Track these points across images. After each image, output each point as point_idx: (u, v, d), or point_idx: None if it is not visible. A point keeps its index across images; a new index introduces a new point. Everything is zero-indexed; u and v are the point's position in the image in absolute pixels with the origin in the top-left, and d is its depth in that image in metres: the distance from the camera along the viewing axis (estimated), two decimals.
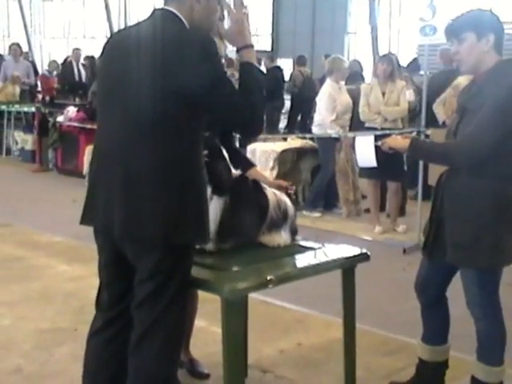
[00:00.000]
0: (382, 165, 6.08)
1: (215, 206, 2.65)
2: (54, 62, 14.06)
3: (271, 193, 2.87)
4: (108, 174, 2.35)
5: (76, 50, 13.52)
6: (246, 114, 2.28)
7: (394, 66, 6.68)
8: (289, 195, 3.03)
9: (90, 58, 13.48)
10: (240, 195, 2.74)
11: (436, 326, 3.15)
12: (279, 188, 3.10)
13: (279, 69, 12.35)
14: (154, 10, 2.42)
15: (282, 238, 2.87)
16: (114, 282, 2.53)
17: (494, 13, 2.94)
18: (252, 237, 2.82)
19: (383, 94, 6.58)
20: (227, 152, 2.85)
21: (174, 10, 2.35)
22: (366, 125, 6.67)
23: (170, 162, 2.28)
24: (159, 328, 2.37)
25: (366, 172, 6.56)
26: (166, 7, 2.38)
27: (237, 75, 2.46)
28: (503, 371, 2.97)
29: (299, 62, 12.76)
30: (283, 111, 12.93)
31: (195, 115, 2.30)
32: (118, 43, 2.43)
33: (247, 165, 3.15)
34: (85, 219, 2.47)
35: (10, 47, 12.63)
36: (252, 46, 2.41)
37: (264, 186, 2.88)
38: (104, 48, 2.49)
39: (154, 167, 2.27)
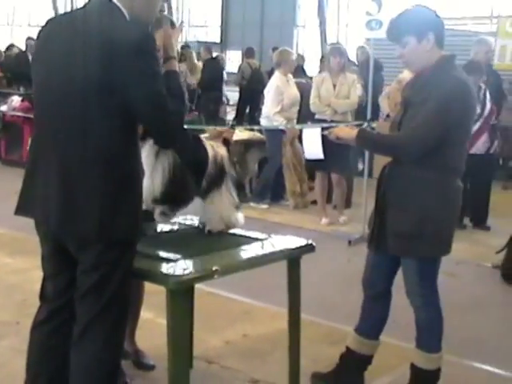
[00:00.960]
0: (328, 157, 6.15)
1: (163, 163, 2.63)
2: None
3: (209, 147, 2.85)
4: (45, 167, 2.33)
5: (29, 40, 13.06)
6: (168, 115, 2.29)
7: (346, 58, 6.77)
8: (227, 143, 3.00)
9: None
10: (184, 150, 2.70)
11: (373, 321, 3.20)
12: (219, 135, 3.07)
13: (216, 60, 12.32)
14: None
15: (223, 197, 2.85)
16: (57, 274, 2.50)
17: (431, 9, 3.00)
18: (193, 195, 2.79)
19: (334, 86, 6.66)
20: None
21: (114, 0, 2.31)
22: (316, 116, 6.73)
23: (107, 159, 2.26)
24: (102, 320, 2.36)
25: (312, 164, 6.62)
26: None
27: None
28: (441, 357, 3.06)
29: (248, 54, 12.76)
30: (231, 103, 12.92)
31: (132, 112, 2.27)
32: (57, 32, 2.38)
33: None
34: (20, 210, 2.44)
35: None
36: (175, 58, 2.51)
37: (203, 138, 2.87)
38: (40, 34, 2.44)
39: (91, 163, 2.26)
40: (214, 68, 11.82)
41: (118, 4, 2.31)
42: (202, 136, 2.93)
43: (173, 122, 2.33)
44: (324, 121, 6.53)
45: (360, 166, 7.68)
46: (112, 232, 2.30)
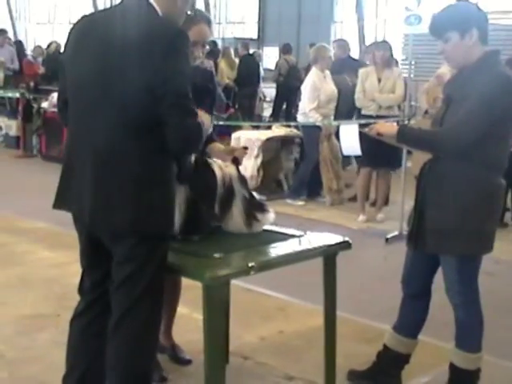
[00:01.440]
0: (377, 152, 5.98)
1: (178, 197, 2.63)
2: (39, 47, 13.89)
3: (218, 168, 2.79)
4: (80, 161, 2.38)
5: None
6: (188, 115, 2.27)
7: (391, 52, 6.70)
8: (237, 162, 2.92)
9: None
10: (196, 181, 2.68)
11: (411, 319, 3.17)
12: (231, 153, 3.00)
13: (252, 56, 12.34)
14: None
15: (234, 218, 2.81)
16: (93, 266, 2.55)
17: (474, 3, 2.95)
18: (209, 223, 2.78)
19: (379, 80, 6.60)
20: None
21: None
22: (362, 112, 6.68)
23: (141, 153, 2.29)
24: (136, 313, 2.39)
25: (360, 160, 6.51)
26: None
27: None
28: (481, 358, 3.02)
29: (284, 50, 12.75)
30: (268, 99, 12.93)
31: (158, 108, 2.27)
32: (89, 31, 2.40)
33: (208, 140, 3.02)
34: (58, 204, 2.49)
35: None
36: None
37: (210, 161, 2.80)
38: (73, 30, 2.46)
39: (124, 157, 2.29)
40: (249, 64, 11.85)
41: (152, 2, 2.34)
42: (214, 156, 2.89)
43: (192, 124, 2.29)
44: (369, 116, 6.43)
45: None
46: (146, 226, 2.33)
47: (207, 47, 3.01)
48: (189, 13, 2.75)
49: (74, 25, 2.49)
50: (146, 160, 2.30)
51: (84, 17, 2.52)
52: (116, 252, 2.40)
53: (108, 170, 2.30)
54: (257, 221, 2.88)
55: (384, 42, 7.17)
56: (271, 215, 2.94)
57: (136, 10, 2.32)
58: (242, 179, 2.89)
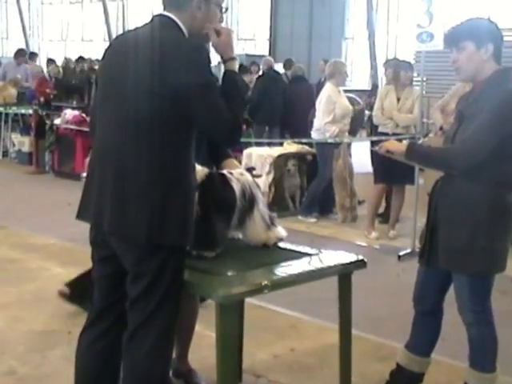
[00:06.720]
0: (396, 167, 5.93)
1: None
2: (56, 66, 13.89)
3: (236, 181, 2.82)
4: (102, 171, 2.42)
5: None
6: (228, 123, 2.36)
7: (412, 72, 6.73)
8: (251, 171, 3.02)
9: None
10: (208, 198, 2.68)
11: (424, 337, 3.14)
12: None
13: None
14: (154, 16, 2.47)
15: (256, 222, 2.84)
16: (103, 277, 2.57)
17: (493, 21, 2.96)
18: (225, 238, 2.80)
19: (398, 99, 6.62)
20: (210, 146, 2.94)
21: (173, 17, 2.41)
22: (379, 129, 6.70)
23: (158, 164, 2.33)
24: (150, 326, 2.40)
25: (380, 177, 6.48)
26: (166, 13, 2.43)
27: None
28: (495, 378, 2.98)
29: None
30: None
31: (185, 120, 2.34)
32: (117, 48, 2.50)
33: (223, 157, 3.11)
34: (79, 214, 2.53)
35: (17, 52, 13.05)
36: (235, 59, 2.55)
37: (228, 175, 2.83)
38: (105, 52, 2.56)
39: (143, 167, 2.33)
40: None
41: (178, 21, 2.40)
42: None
43: (230, 128, 2.38)
44: (386, 134, 6.43)
45: None
46: (160, 237, 2.34)
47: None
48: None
49: (109, 45, 2.58)
50: (164, 173, 2.33)
51: (116, 38, 2.62)
52: (127, 265, 2.42)
53: (128, 179, 2.34)
54: (274, 226, 2.90)
55: (405, 61, 7.13)
56: (282, 230, 2.97)
57: (159, 27, 2.39)
58: (258, 185, 2.96)
